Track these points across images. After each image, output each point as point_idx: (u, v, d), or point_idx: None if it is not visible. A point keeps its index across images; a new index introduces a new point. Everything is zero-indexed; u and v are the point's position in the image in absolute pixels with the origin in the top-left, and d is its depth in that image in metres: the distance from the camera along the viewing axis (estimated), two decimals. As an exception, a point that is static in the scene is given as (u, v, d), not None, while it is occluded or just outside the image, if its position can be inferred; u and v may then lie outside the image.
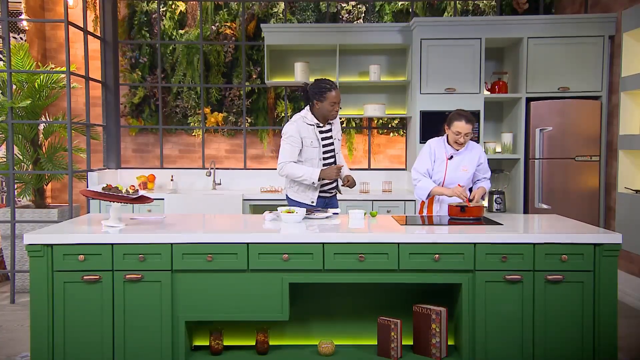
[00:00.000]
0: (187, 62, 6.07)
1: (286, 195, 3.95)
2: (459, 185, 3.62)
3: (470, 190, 3.79)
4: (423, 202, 3.85)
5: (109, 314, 2.90)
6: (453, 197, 3.61)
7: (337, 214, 3.64)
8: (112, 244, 2.88)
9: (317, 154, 3.77)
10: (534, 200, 5.18)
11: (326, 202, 3.89)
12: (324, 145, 3.80)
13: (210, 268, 2.90)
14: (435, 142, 3.78)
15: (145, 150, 6.27)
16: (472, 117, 3.62)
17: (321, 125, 3.79)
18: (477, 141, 3.85)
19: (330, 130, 3.84)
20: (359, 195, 5.40)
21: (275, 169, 4.56)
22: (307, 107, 3.82)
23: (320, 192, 3.84)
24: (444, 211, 3.71)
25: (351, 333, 3.23)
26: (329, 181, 3.83)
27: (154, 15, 6.09)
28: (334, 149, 3.87)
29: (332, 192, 3.92)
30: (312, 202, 3.79)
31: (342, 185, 3.88)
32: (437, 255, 2.90)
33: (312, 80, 5.59)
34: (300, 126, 3.73)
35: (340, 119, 5.96)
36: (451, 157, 3.71)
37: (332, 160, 3.86)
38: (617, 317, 2.92)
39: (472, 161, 3.73)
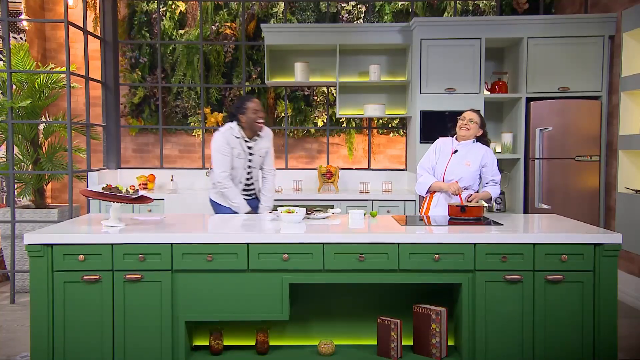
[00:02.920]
0: (187, 62, 6.07)
1: (209, 198, 4.14)
2: (457, 181, 3.70)
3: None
4: (426, 197, 3.89)
5: (109, 314, 2.90)
6: (454, 198, 3.64)
7: (338, 213, 3.66)
8: (112, 244, 2.88)
9: (243, 164, 3.97)
10: (534, 200, 5.18)
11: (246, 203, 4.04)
12: (249, 160, 3.99)
13: (210, 268, 2.90)
14: (443, 139, 3.92)
15: (145, 150, 6.27)
16: (480, 113, 3.85)
17: (247, 139, 3.96)
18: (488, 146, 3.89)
19: (252, 147, 4.00)
20: (359, 195, 5.40)
21: (275, 169, 4.55)
22: (235, 122, 3.96)
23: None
24: (441, 205, 3.74)
25: (351, 333, 3.23)
26: (249, 184, 4.07)
27: (154, 15, 6.09)
28: (252, 165, 4.04)
29: (251, 196, 4.11)
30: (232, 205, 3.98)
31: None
32: (437, 255, 2.90)
33: (311, 80, 5.66)
34: (228, 137, 3.91)
35: (340, 119, 5.98)
36: (456, 151, 3.78)
37: (250, 174, 4.06)
38: (617, 317, 2.92)
39: (477, 157, 3.75)
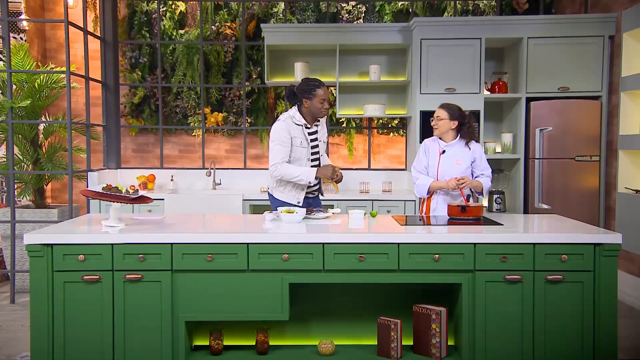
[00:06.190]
0: (187, 62, 6.07)
1: (270, 194, 3.91)
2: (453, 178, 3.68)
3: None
4: (423, 199, 3.88)
5: (109, 314, 2.90)
6: (456, 197, 3.66)
7: (339, 213, 3.65)
8: (112, 244, 2.88)
9: (306, 154, 3.77)
10: (534, 200, 5.18)
11: (309, 202, 3.90)
12: (311, 147, 3.81)
13: (210, 268, 2.90)
14: (429, 140, 3.92)
15: (145, 150, 6.27)
16: (450, 105, 3.79)
17: (309, 126, 3.78)
18: (477, 141, 3.86)
19: (316, 132, 3.85)
20: (359, 195, 5.40)
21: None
22: (295, 108, 3.78)
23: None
24: (441, 206, 3.74)
25: (351, 333, 3.23)
26: (314, 182, 3.81)
27: (154, 15, 6.09)
28: (319, 151, 3.89)
29: (315, 194, 3.94)
30: (299, 202, 3.79)
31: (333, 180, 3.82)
32: (437, 255, 2.90)
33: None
34: (289, 126, 3.71)
35: (340, 119, 5.99)
36: (443, 151, 3.78)
37: (317, 162, 3.88)
38: (617, 317, 2.92)
39: (466, 156, 3.76)
